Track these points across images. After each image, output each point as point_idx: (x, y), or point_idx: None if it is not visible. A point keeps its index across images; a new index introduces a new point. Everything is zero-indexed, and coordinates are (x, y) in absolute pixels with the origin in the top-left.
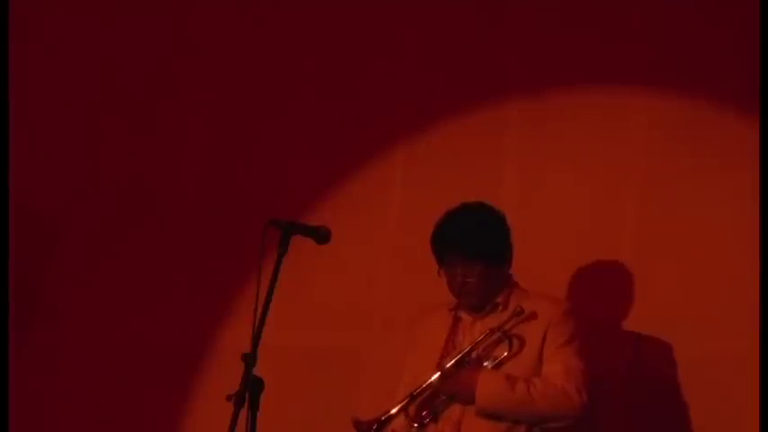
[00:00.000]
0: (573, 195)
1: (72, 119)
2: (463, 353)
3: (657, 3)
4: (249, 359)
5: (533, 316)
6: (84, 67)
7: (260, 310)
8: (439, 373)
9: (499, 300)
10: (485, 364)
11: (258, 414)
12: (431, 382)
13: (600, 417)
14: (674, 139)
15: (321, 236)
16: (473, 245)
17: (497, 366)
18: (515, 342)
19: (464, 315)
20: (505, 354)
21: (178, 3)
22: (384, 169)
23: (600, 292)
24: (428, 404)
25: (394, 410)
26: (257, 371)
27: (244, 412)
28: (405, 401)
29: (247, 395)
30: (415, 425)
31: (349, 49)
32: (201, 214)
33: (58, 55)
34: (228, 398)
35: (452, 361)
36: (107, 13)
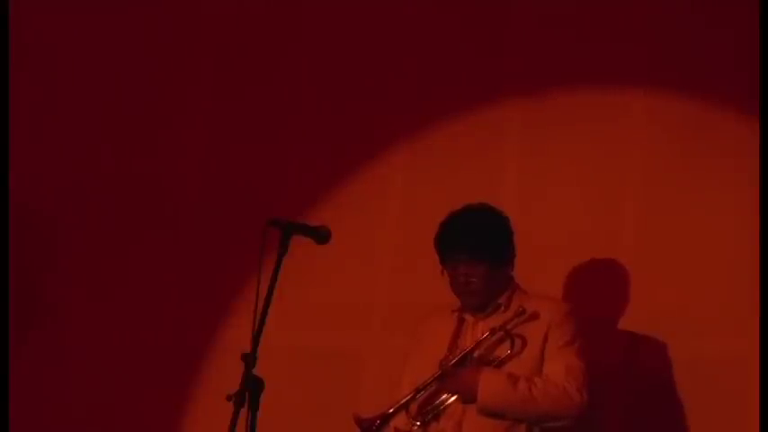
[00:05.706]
0: (573, 195)
1: (72, 119)
2: (465, 352)
3: (657, 3)
4: (249, 359)
5: (535, 316)
6: (85, 68)
7: (260, 310)
8: (441, 372)
9: (501, 300)
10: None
11: (258, 414)
12: (433, 381)
13: (598, 416)
14: (674, 139)
15: (321, 236)
16: (477, 246)
17: (499, 365)
18: (517, 341)
19: (467, 316)
20: (507, 353)
21: (179, 3)
22: (384, 169)
23: (599, 292)
24: (430, 402)
25: (396, 408)
26: (257, 371)
27: (244, 412)
28: (406, 399)
29: (247, 395)
30: (417, 423)
31: (349, 49)
32: (201, 214)
33: (58, 55)
34: (228, 398)
35: (454, 360)
36: (107, 14)
